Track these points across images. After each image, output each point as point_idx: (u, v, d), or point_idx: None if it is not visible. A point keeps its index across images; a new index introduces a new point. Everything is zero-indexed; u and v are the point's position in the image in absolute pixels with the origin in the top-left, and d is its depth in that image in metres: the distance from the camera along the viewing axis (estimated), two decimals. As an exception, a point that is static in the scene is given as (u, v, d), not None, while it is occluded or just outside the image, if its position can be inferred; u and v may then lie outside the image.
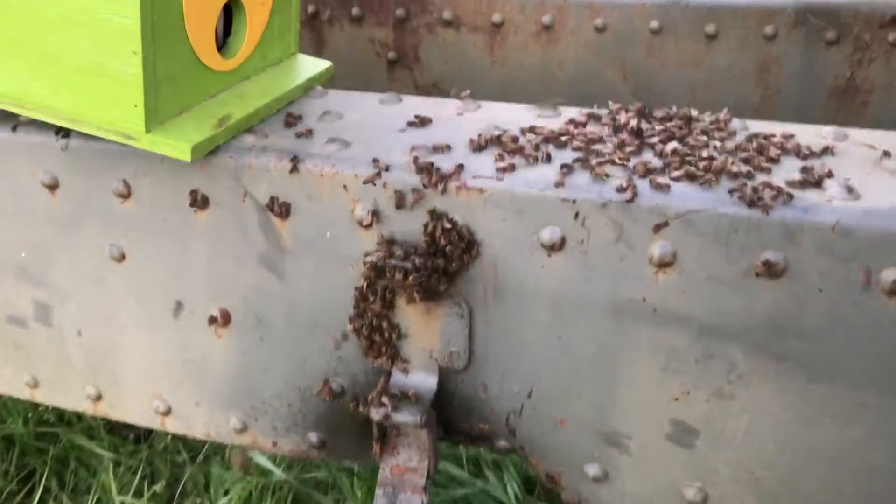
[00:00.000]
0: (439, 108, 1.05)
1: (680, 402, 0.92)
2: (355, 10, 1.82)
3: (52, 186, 1.06)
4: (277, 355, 1.08)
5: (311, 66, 1.18)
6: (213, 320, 1.07)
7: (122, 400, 1.21)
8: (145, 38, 0.88)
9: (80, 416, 1.58)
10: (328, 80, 1.20)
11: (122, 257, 1.08)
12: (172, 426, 1.21)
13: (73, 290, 1.14)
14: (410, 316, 0.98)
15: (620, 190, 0.85)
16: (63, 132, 1.04)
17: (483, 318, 0.95)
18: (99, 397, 1.23)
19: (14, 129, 1.06)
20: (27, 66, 0.93)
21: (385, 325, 0.98)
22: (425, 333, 0.98)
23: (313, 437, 1.12)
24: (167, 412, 1.19)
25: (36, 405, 1.58)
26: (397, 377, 1.01)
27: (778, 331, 0.85)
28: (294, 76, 1.13)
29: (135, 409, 1.21)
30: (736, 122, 0.97)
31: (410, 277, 0.88)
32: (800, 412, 0.88)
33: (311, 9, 1.86)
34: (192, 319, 1.09)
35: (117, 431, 1.67)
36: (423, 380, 1.00)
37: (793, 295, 0.83)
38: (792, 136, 0.93)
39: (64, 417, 1.58)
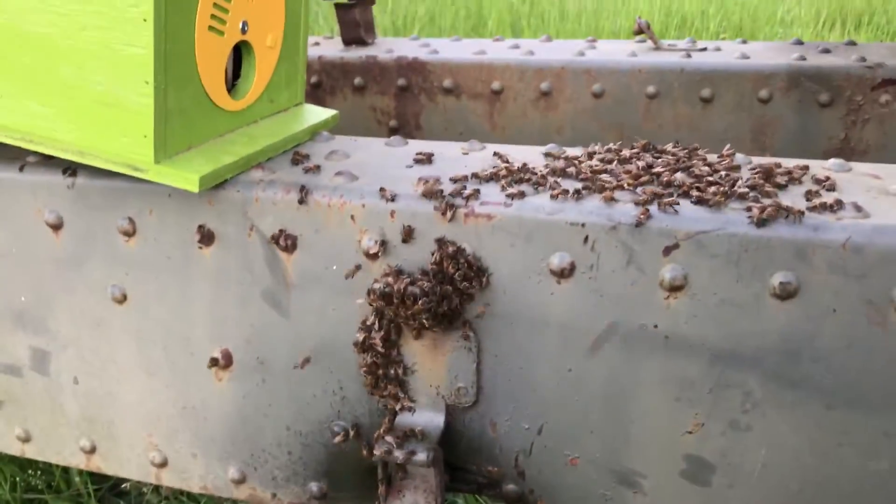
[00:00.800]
0: (445, 149, 1.06)
1: (694, 436, 0.90)
2: (357, 80, 1.86)
3: (57, 226, 1.06)
4: (279, 398, 1.05)
5: (317, 113, 1.19)
6: (214, 362, 1.05)
7: (117, 452, 1.18)
8: (158, 68, 0.89)
9: (68, 483, 1.52)
10: (333, 129, 1.21)
11: (123, 298, 1.07)
12: (168, 479, 1.17)
13: (72, 334, 1.12)
14: (417, 351, 0.96)
15: (630, 212, 0.84)
16: (70, 171, 1.04)
17: (491, 350, 0.93)
18: (93, 450, 1.19)
19: (21, 168, 1.06)
20: (38, 98, 0.94)
21: (391, 360, 0.96)
22: (432, 369, 0.96)
23: (314, 486, 1.08)
24: (163, 464, 1.15)
25: (24, 469, 1.53)
26: (404, 416, 0.98)
27: (793, 355, 0.83)
28: (301, 121, 1.15)
29: (129, 462, 1.17)
30: (740, 157, 0.97)
31: (420, 303, 0.86)
32: (819, 443, 0.86)
33: (314, 79, 1.90)
34: (192, 362, 1.07)
35: (106, 502, 1.61)
36: (430, 418, 0.97)
37: (807, 316, 0.82)
38: (798, 166, 0.93)
39: (52, 485, 1.52)
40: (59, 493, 1.53)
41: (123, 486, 1.52)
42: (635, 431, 0.92)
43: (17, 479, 1.52)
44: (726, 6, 5.06)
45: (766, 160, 0.97)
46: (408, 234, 0.91)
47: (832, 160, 0.96)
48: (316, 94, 1.90)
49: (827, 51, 1.69)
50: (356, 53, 1.87)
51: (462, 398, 0.96)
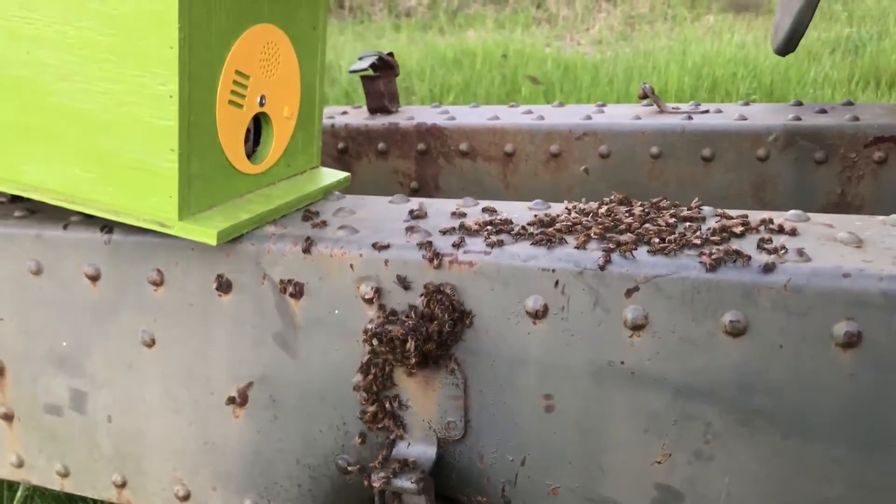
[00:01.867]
0: (442, 205, 1.17)
1: (663, 465, 0.97)
2: (381, 145, 2.00)
3: (95, 278, 1.19)
4: (290, 433, 1.15)
5: (330, 175, 1.32)
6: (231, 400, 1.16)
7: (145, 486, 1.28)
8: (182, 137, 1.02)
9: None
10: (346, 189, 1.34)
11: (152, 342, 1.18)
12: (191, 512, 1.27)
13: (106, 376, 1.24)
14: (410, 387, 1.05)
15: (595, 258, 0.94)
16: (106, 228, 1.17)
17: (477, 386, 1.03)
18: (123, 484, 1.30)
19: (65, 227, 1.20)
20: (80, 164, 1.08)
21: (386, 396, 1.06)
22: (424, 404, 1.05)
23: (322, 517, 1.17)
24: (186, 497, 1.25)
25: (66, 507, 1.64)
26: (399, 448, 1.07)
27: (746, 388, 0.91)
28: (315, 182, 1.27)
29: (156, 496, 1.28)
30: (707, 209, 1.06)
31: (407, 342, 0.96)
32: (777, 471, 0.93)
33: (341, 145, 2.04)
34: (212, 400, 1.18)
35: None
36: (423, 450, 1.06)
37: (756, 352, 0.89)
38: (763, 218, 1.02)
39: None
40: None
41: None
42: (609, 461, 0.99)
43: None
44: (758, 68, 5.16)
45: (734, 212, 1.06)
46: (403, 282, 1.02)
47: (792, 211, 1.04)
48: (343, 159, 2.03)
49: (823, 111, 1.78)
50: (380, 121, 2.01)
51: (451, 431, 1.05)
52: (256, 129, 1.21)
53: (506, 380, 1.01)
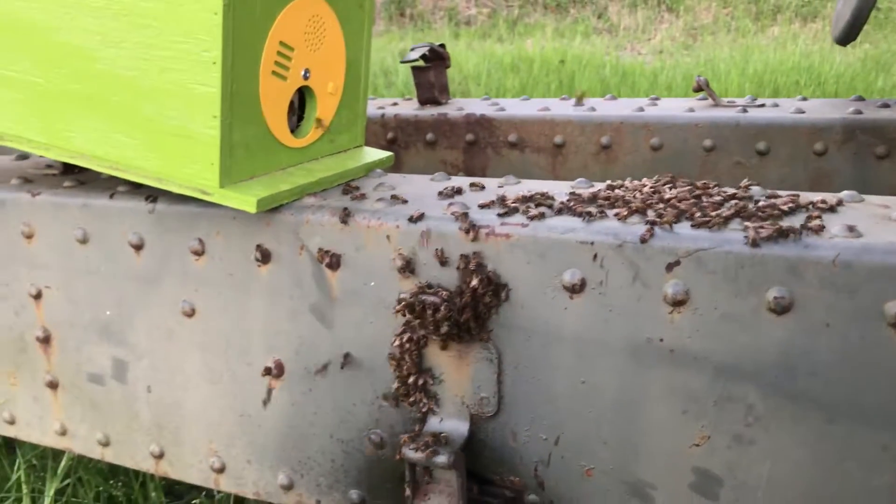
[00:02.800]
0: (484, 182, 1.15)
1: (701, 449, 0.94)
2: (429, 136, 1.99)
3: (138, 247, 1.20)
4: (324, 407, 1.14)
5: (373, 154, 1.31)
6: (268, 371, 1.16)
7: (181, 457, 1.29)
8: (224, 104, 1.03)
9: (146, 498, 1.65)
10: (388, 168, 1.33)
11: (192, 312, 1.19)
12: (225, 484, 1.27)
13: (147, 346, 1.25)
14: (443, 362, 1.04)
15: (635, 231, 0.91)
16: (151, 197, 1.19)
17: (511, 362, 1.01)
18: (161, 455, 1.31)
19: (111, 196, 1.22)
20: (124, 131, 1.10)
21: (419, 370, 1.05)
22: (457, 379, 1.04)
23: (354, 494, 1.16)
24: (221, 469, 1.26)
25: (107, 479, 1.66)
26: (431, 423, 1.06)
27: (790, 369, 0.87)
28: (357, 160, 1.27)
29: (192, 467, 1.29)
30: (755, 189, 1.03)
31: (441, 309, 0.95)
32: (821, 457, 0.89)
33: (390, 135, 2.04)
34: (249, 372, 1.18)
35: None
36: (456, 426, 1.05)
37: (802, 330, 0.86)
38: (815, 198, 0.98)
39: (132, 498, 1.65)
40: (137, 507, 1.66)
41: (194, 502, 1.63)
42: (645, 443, 0.96)
43: (101, 488, 1.65)
44: (822, 76, 5.04)
45: (784, 192, 1.02)
46: (441, 256, 1.00)
47: (846, 192, 1.00)
48: (391, 149, 2.03)
49: (886, 105, 1.72)
50: (429, 111, 2.00)
51: (485, 407, 1.03)
52: (301, 105, 1.21)
53: (541, 356, 0.99)
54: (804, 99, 1.86)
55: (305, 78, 1.16)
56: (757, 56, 5.91)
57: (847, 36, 1.69)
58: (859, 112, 1.67)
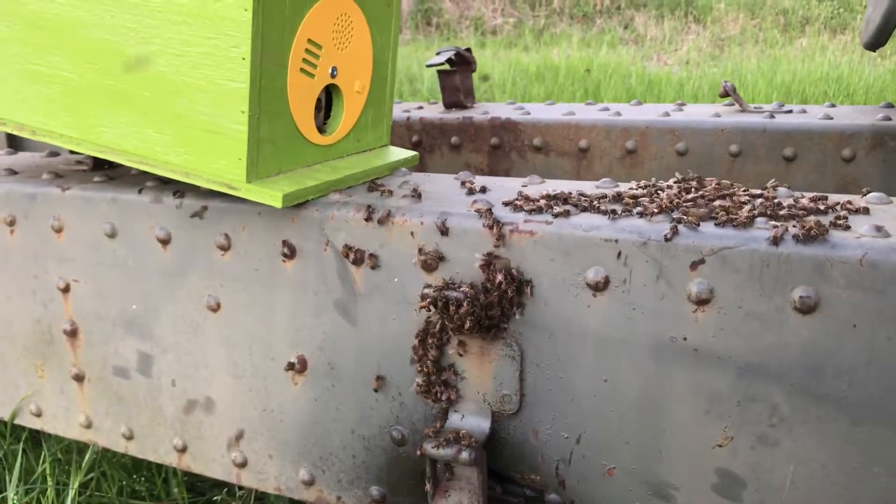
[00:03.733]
0: (507, 182, 1.16)
1: (725, 449, 0.93)
2: (454, 139, 2.00)
3: (165, 241, 1.22)
4: (346, 402, 1.15)
5: (399, 153, 1.32)
6: (291, 366, 1.16)
7: (204, 451, 1.30)
8: (252, 100, 1.04)
9: (168, 493, 1.66)
10: (413, 169, 1.34)
11: (217, 307, 1.20)
12: (247, 479, 1.28)
13: (172, 340, 1.26)
14: (465, 358, 1.04)
15: (659, 230, 0.91)
16: (178, 192, 1.20)
17: (534, 360, 1.01)
18: (184, 449, 1.32)
19: (140, 191, 1.24)
20: (154, 126, 1.11)
21: (441, 366, 1.05)
22: (479, 376, 1.04)
23: (375, 491, 1.17)
24: (243, 464, 1.27)
25: (130, 474, 1.68)
26: (453, 419, 1.06)
27: (816, 369, 0.86)
28: (383, 158, 1.28)
29: (214, 461, 1.29)
30: (782, 190, 1.02)
31: (464, 307, 0.95)
32: (847, 460, 0.88)
33: (415, 138, 2.05)
34: (272, 367, 1.19)
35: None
36: (477, 423, 1.05)
37: (827, 330, 0.85)
38: (842, 200, 0.97)
39: (154, 493, 1.66)
40: (160, 501, 1.67)
41: (216, 499, 1.64)
42: (668, 443, 0.96)
43: (124, 483, 1.67)
44: (850, 87, 4.99)
45: (811, 194, 1.02)
46: (459, 244, 1.01)
47: (873, 194, 0.99)
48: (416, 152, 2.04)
49: (916, 112, 1.70)
50: (454, 115, 2.01)
51: (506, 405, 1.03)
52: (328, 103, 1.22)
53: (563, 354, 0.99)
54: (832, 105, 1.85)
55: (333, 76, 1.17)
56: (785, 67, 5.87)
57: (877, 41, 1.67)
58: (888, 118, 1.66)
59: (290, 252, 1.12)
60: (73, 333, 1.35)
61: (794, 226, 0.87)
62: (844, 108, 1.80)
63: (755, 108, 1.85)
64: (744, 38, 9.52)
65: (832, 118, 1.70)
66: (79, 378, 1.38)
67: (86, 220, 1.28)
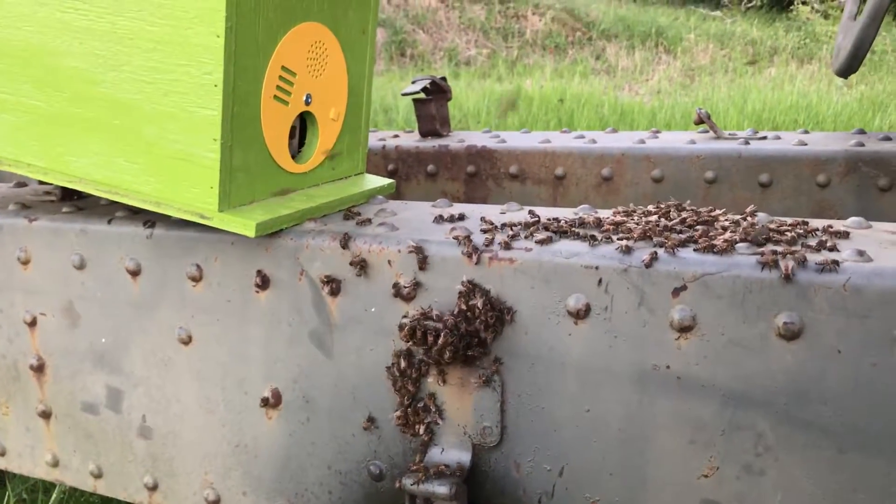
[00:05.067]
0: (485, 209, 1.14)
1: (710, 480, 0.91)
2: (430, 167, 1.99)
3: (136, 272, 1.19)
4: (322, 437, 1.12)
5: (375, 181, 1.30)
6: (265, 401, 1.13)
7: (176, 489, 1.26)
8: (225, 128, 1.02)
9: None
10: (389, 197, 1.32)
11: (188, 339, 1.17)
12: (220, 517, 1.24)
13: (143, 374, 1.23)
14: (445, 390, 1.02)
15: (640, 256, 0.90)
16: (149, 223, 1.17)
17: (515, 390, 0.98)
18: (155, 487, 1.28)
19: (109, 221, 1.21)
20: (124, 155, 1.09)
21: (420, 398, 1.02)
22: (459, 408, 1.01)
23: (352, 527, 1.13)
24: (216, 502, 1.23)
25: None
26: (433, 453, 1.03)
27: (801, 396, 0.85)
28: (359, 186, 1.26)
29: (187, 499, 1.25)
30: (762, 215, 1.02)
31: (441, 338, 0.93)
32: (834, 488, 0.86)
33: (391, 166, 2.04)
34: (246, 401, 1.16)
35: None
36: (457, 456, 1.02)
37: (812, 357, 0.84)
38: (822, 225, 0.97)
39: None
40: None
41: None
42: (652, 474, 0.94)
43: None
44: (819, 115, 5.06)
45: (791, 219, 1.01)
46: (438, 272, 0.99)
47: (852, 218, 0.99)
48: (392, 180, 2.02)
49: (888, 138, 1.71)
50: (430, 143, 2.00)
51: (487, 437, 1.01)
52: (302, 130, 1.20)
53: (545, 383, 0.97)
54: (806, 132, 1.86)
55: (307, 103, 1.15)
56: (755, 95, 5.96)
57: (848, 68, 1.69)
58: (861, 144, 1.67)
59: (264, 282, 1.10)
60: (39, 368, 1.31)
61: (776, 250, 0.86)
62: (818, 135, 1.81)
63: (730, 134, 1.86)
64: (713, 68, 9.66)
65: (806, 144, 1.71)
66: (45, 415, 1.33)
67: (54, 252, 1.25)
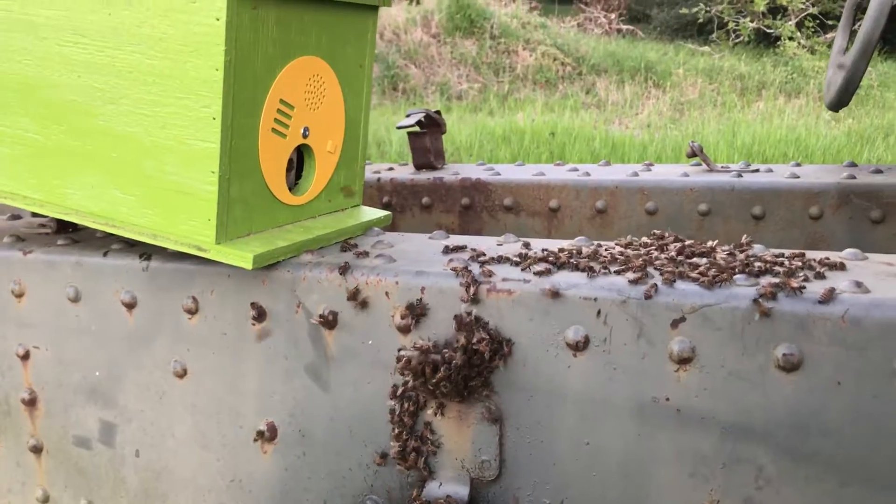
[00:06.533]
0: (482, 241, 1.14)
1: (711, 513, 0.90)
2: (425, 199, 1.99)
3: (131, 305, 1.18)
4: (318, 471, 1.11)
5: (371, 213, 1.31)
6: (260, 435, 1.12)
7: (169, 525, 1.24)
8: (223, 160, 1.02)
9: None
10: (385, 228, 1.32)
11: (184, 373, 1.16)
12: (214, 555, 1.22)
13: (137, 408, 1.21)
14: (443, 423, 1.01)
15: (639, 287, 0.90)
16: (145, 255, 1.17)
17: (513, 423, 0.98)
18: (148, 523, 1.26)
19: (105, 254, 1.20)
20: (121, 187, 1.09)
21: (418, 432, 1.01)
22: (457, 441, 1.01)
23: (348, 564, 1.12)
24: (210, 538, 1.21)
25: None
26: (430, 487, 1.02)
27: (801, 429, 0.85)
28: (356, 218, 1.26)
29: (180, 536, 1.24)
30: (758, 246, 1.02)
31: (440, 371, 0.93)
32: (836, 522, 0.86)
33: (385, 199, 2.04)
34: (240, 435, 1.14)
35: None
36: (455, 490, 1.01)
37: (812, 388, 0.84)
38: (819, 257, 0.97)
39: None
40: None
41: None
42: (653, 508, 0.93)
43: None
44: (809, 148, 5.12)
45: (787, 251, 1.02)
46: (435, 304, 0.98)
47: (848, 250, 1.00)
48: (389, 212, 2.03)
49: (878, 171, 1.73)
50: (425, 176, 2.01)
51: (486, 471, 1.00)
52: (299, 163, 1.21)
53: (544, 416, 0.96)
54: (798, 164, 1.87)
55: (305, 136, 1.16)
56: (744, 129, 6.01)
57: (840, 101, 1.71)
58: (853, 177, 1.68)
59: (260, 315, 1.09)
60: (31, 402, 1.29)
61: (775, 281, 0.87)
62: (809, 168, 1.83)
63: (722, 167, 1.87)
64: (703, 102, 9.75)
65: (798, 177, 1.72)
66: (36, 449, 1.31)
67: (48, 285, 1.24)
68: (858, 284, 0.84)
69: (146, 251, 1.18)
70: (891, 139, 5.85)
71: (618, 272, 0.94)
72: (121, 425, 1.23)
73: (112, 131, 1.08)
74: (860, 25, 1.65)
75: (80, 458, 1.28)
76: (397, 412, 1.01)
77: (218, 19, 0.97)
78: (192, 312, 1.14)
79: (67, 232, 1.36)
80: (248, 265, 1.03)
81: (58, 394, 1.27)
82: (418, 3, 11.56)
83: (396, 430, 1.02)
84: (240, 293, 1.10)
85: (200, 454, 1.18)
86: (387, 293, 1.01)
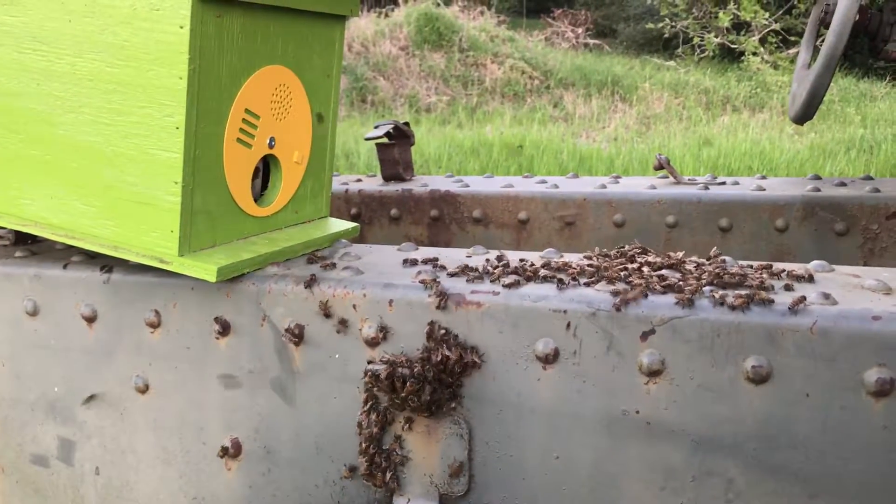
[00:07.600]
0: (452, 253, 1.13)
1: (681, 527, 0.90)
2: (393, 211, 1.98)
3: (91, 319, 1.15)
4: (284, 488, 1.08)
5: (339, 224, 1.29)
6: (224, 451, 1.10)
7: (130, 545, 1.21)
8: (186, 171, 1.00)
9: None
10: (353, 240, 1.30)
11: (145, 388, 1.14)
12: (176, 575, 1.19)
13: (97, 424, 1.18)
14: (411, 438, 0.99)
15: (609, 300, 0.89)
16: (106, 267, 1.14)
17: (482, 437, 0.97)
18: (108, 543, 1.22)
19: (65, 266, 1.17)
20: (81, 198, 1.06)
21: (385, 448, 1.00)
22: (425, 457, 0.99)
23: (315, 582, 1.09)
24: (172, 558, 1.18)
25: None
26: (398, 503, 1.00)
27: (771, 440, 0.85)
28: (322, 230, 1.24)
29: (141, 556, 1.20)
30: (728, 259, 1.02)
31: (410, 381, 0.91)
32: (805, 534, 0.85)
33: (354, 210, 2.02)
34: (204, 451, 1.12)
35: None
36: (424, 506, 0.99)
37: (781, 400, 0.84)
38: (787, 269, 0.97)
39: None
40: None
41: None
42: (623, 522, 0.92)
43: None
44: (773, 162, 5.18)
45: (756, 263, 1.02)
46: (404, 316, 0.97)
47: (815, 262, 1.00)
48: (357, 223, 2.01)
49: (842, 184, 1.75)
50: (393, 187, 2.00)
51: (454, 487, 0.98)
52: (265, 174, 1.19)
53: (513, 430, 0.95)
54: (763, 177, 1.89)
55: (271, 146, 1.14)
56: (713, 142, 6.08)
57: (804, 115, 1.73)
58: (818, 190, 1.70)
59: (224, 328, 1.07)
60: (-14, 420, 1.26)
61: (744, 294, 0.86)
62: (775, 180, 1.84)
63: (689, 180, 1.88)
64: (669, 116, 9.86)
65: (764, 189, 1.73)
66: (-8, 468, 1.28)
67: (5, 298, 1.20)
68: (826, 296, 0.85)
69: (107, 263, 1.15)
70: (852, 153, 5.95)
71: (587, 284, 0.93)
72: (80, 442, 1.20)
73: (72, 141, 1.05)
74: (823, 41, 1.67)
75: (38, 476, 1.25)
76: (365, 426, 0.99)
77: (182, 27, 0.96)
78: (154, 326, 1.11)
79: (26, 244, 1.32)
80: (212, 278, 1.01)
81: (14, 411, 1.24)
82: (387, 15, 11.58)
83: (364, 445, 1.00)
84: (203, 306, 1.08)
85: (163, 471, 1.15)
86: (354, 306, 1.00)
